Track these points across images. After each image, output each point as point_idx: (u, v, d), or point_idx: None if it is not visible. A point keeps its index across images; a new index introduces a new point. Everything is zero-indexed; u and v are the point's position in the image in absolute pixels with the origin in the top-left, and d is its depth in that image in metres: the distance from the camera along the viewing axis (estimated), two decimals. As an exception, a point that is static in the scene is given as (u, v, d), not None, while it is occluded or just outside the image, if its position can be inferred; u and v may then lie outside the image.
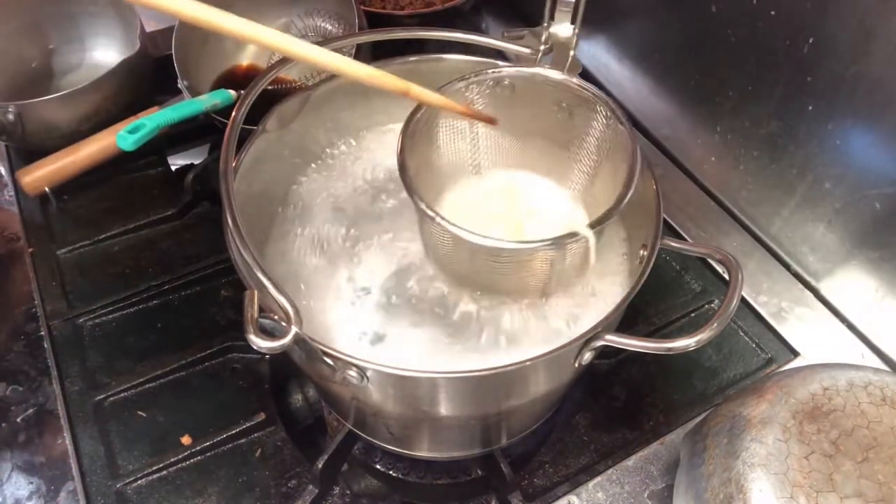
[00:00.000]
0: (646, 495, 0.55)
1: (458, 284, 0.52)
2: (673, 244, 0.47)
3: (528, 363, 0.40)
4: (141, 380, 0.63)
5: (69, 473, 0.57)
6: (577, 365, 0.44)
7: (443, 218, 0.43)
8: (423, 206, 0.44)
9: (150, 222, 0.76)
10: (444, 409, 0.45)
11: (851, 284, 0.66)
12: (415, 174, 0.46)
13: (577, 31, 0.51)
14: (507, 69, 0.51)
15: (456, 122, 0.52)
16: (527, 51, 0.53)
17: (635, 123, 0.86)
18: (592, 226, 0.44)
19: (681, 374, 0.64)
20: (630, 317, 0.67)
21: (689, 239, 0.74)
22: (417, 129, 0.48)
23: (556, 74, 0.51)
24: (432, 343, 0.50)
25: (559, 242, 0.43)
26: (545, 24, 0.50)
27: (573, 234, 0.44)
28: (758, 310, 0.68)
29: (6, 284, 0.72)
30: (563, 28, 0.51)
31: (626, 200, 0.44)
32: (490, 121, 0.50)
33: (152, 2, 0.34)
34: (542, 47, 0.52)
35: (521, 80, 0.51)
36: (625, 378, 0.64)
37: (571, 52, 0.51)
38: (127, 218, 0.76)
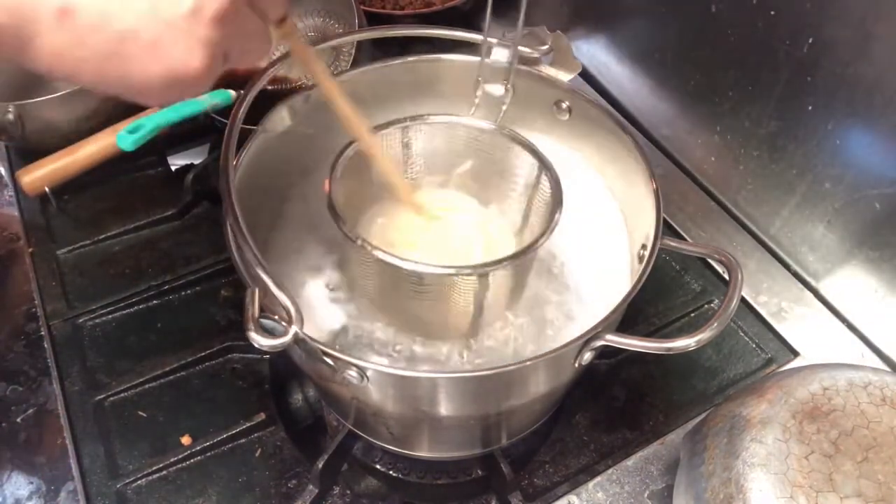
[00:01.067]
0: (646, 495, 0.55)
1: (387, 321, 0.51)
2: (673, 244, 0.47)
3: (528, 363, 0.40)
4: (141, 380, 0.63)
5: (69, 473, 0.57)
6: (577, 365, 0.44)
7: (367, 242, 0.42)
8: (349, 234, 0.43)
9: (150, 222, 0.76)
10: (444, 409, 0.45)
11: (851, 284, 0.66)
12: (346, 204, 0.45)
13: (509, 88, 0.52)
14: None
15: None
16: (527, 50, 0.53)
17: (635, 123, 0.86)
18: (514, 257, 0.43)
19: (681, 374, 0.64)
20: (630, 317, 0.67)
21: (689, 239, 0.74)
22: (350, 161, 0.48)
23: (486, 125, 0.51)
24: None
25: (483, 268, 0.43)
26: (518, 30, 0.50)
27: (497, 261, 0.43)
28: (758, 310, 0.68)
29: (6, 284, 0.72)
30: (495, 88, 0.52)
31: (541, 242, 0.44)
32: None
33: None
34: (544, 47, 0.52)
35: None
36: (625, 378, 0.64)
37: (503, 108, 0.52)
38: (127, 218, 0.76)
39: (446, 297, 0.45)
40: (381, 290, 0.48)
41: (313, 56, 0.43)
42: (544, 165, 0.49)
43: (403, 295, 0.46)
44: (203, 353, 0.64)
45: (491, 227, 0.52)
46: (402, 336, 0.50)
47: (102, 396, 0.62)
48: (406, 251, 0.44)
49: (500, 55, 0.52)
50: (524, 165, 0.51)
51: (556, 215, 0.46)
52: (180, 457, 0.58)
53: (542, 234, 0.45)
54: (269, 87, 0.51)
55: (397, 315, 0.50)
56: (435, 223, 0.50)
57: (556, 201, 0.47)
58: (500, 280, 0.46)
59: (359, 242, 0.43)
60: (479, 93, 0.53)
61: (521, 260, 0.44)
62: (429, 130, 0.52)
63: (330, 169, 0.47)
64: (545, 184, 0.49)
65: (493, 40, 0.51)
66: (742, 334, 0.67)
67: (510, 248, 0.50)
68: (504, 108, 0.52)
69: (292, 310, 0.36)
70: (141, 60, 0.28)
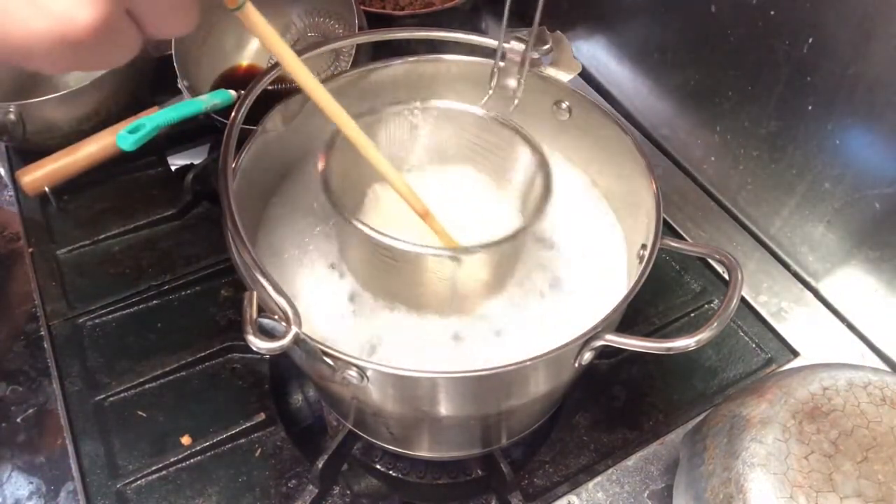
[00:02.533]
0: (646, 495, 0.55)
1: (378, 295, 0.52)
2: (673, 244, 0.47)
3: (528, 363, 0.40)
4: (141, 380, 0.63)
5: (69, 473, 0.57)
6: (577, 365, 0.44)
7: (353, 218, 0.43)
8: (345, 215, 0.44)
9: (150, 222, 0.76)
10: (444, 409, 0.45)
11: (851, 284, 0.66)
12: (342, 178, 0.46)
13: (521, 81, 0.52)
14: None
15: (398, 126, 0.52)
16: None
17: (635, 123, 0.86)
18: (487, 245, 0.44)
19: (681, 374, 0.64)
20: (630, 317, 0.67)
21: (689, 239, 0.74)
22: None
23: (477, 111, 0.52)
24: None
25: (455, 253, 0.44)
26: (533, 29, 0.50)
27: (465, 248, 0.44)
28: (758, 310, 0.68)
29: (6, 284, 0.72)
30: (508, 81, 0.53)
31: (523, 231, 0.45)
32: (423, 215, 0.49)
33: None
34: (544, 46, 0.52)
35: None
36: (625, 378, 0.64)
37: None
38: (127, 218, 0.76)
39: (420, 274, 0.46)
40: (365, 264, 0.50)
41: (270, 33, 0.37)
42: (541, 156, 0.49)
43: (387, 269, 0.47)
44: (203, 353, 0.64)
45: (491, 211, 0.53)
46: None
47: (102, 396, 0.62)
48: (401, 229, 0.44)
49: (511, 51, 0.52)
50: (522, 158, 0.51)
51: (545, 206, 0.46)
52: (180, 457, 0.58)
53: (522, 227, 0.45)
54: (269, 87, 0.51)
55: (380, 287, 0.51)
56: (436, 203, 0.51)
57: (546, 192, 0.47)
58: (478, 264, 0.47)
59: (347, 216, 0.43)
60: (493, 83, 0.53)
61: (502, 247, 0.45)
62: (436, 117, 0.52)
63: (325, 146, 0.47)
64: (540, 177, 0.49)
65: (507, 45, 0.51)
66: (742, 334, 0.67)
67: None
68: (516, 102, 0.52)
69: (290, 312, 0.36)
70: (20, 14, 0.24)
